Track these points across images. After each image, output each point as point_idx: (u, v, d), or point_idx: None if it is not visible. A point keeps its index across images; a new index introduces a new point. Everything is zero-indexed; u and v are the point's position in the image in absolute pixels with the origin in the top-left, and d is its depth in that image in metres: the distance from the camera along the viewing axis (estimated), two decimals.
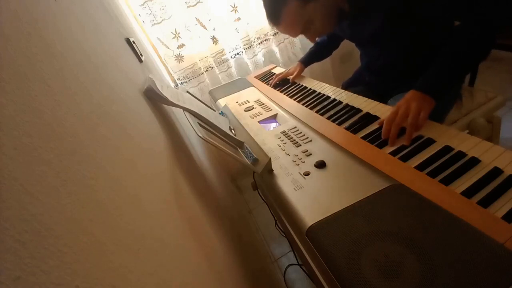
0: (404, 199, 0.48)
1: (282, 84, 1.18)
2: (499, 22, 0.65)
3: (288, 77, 1.20)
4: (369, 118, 0.74)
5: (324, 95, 0.95)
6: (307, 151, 0.69)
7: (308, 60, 1.23)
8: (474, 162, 0.51)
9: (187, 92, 0.98)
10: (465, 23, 0.69)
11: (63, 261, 0.18)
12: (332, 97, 0.91)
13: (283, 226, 0.63)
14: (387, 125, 0.66)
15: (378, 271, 0.39)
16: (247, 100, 1.12)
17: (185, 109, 0.70)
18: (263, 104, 1.04)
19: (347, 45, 1.22)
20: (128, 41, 0.82)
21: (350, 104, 0.83)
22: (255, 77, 1.38)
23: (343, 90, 0.92)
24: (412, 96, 0.67)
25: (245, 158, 0.68)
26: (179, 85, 1.58)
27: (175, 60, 1.52)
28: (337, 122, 0.77)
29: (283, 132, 0.81)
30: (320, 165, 0.62)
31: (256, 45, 1.64)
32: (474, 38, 0.67)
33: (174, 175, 0.54)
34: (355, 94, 0.87)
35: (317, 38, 1.21)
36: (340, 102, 0.87)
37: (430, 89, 0.67)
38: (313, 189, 0.57)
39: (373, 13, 0.80)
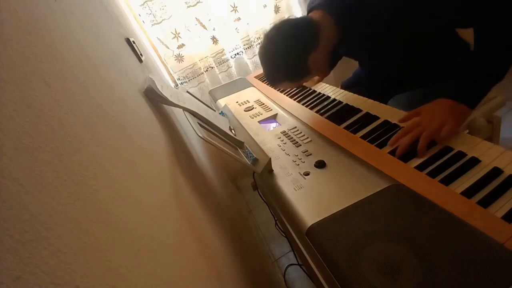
0: (404, 199, 0.48)
1: None
2: None
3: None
4: (369, 118, 0.74)
5: (324, 95, 0.95)
6: (307, 151, 0.69)
7: (332, 63, 1.17)
8: (474, 162, 0.51)
9: (187, 92, 0.98)
10: (488, 23, 0.62)
11: (63, 261, 0.18)
12: (332, 97, 0.91)
13: (283, 226, 0.63)
14: (401, 134, 0.60)
15: (378, 271, 0.39)
16: (247, 100, 1.12)
17: (185, 109, 0.70)
18: (263, 104, 1.04)
19: None
20: (128, 41, 0.82)
21: (350, 104, 0.83)
22: (255, 77, 1.38)
23: (343, 90, 0.92)
24: (441, 105, 0.60)
25: (245, 158, 0.68)
26: (179, 85, 1.58)
27: (175, 60, 1.52)
28: (337, 122, 0.77)
29: (283, 132, 0.81)
30: (320, 165, 0.62)
31: (256, 45, 1.64)
32: (503, 36, 0.60)
33: (174, 175, 0.54)
34: (355, 94, 0.87)
35: None
36: (340, 102, 0.87)
37: (466, 96, 0.59)
38: (313, 189, 0.57)
39: (372, 45, 0.80)
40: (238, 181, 1.96)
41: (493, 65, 0.61)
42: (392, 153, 0.60)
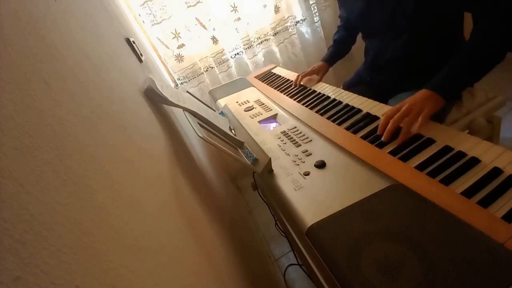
0: (404, 199, 0.48)
1: (283, 84, 1.18)
2: None
3: (311, 76, 1.13)
4: (369, 118, 0.74)
5: (324, 95, 0.95)
6: (307, 151, 0.69)
7: (332, 59, 1.19)
8: (474, 162, 0.51)
9: (187, 92, 0.98)
10: (483, 27, 0.68)
11: (63, 261, 0.18)
12: (332, 97, 0.91)
13: (283, 226, 0.63)
14: (385, 120, 0.66)
15: (378, 271, 0.39)
16: (247, 100, 1.12)
17: (185, 109, 0.70)
18: (263, 104, 1.04)
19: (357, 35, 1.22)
20: (128, 41, 0.82)
21: (350, 104, 0.83)
22: (255, 77, 1.38)
23: (343, 90, 0.92)
24: (420, 95, 0.67)
25: (245, 158, 0.68)
26: (179, 85, 1.58)
27: (175, 60, 1.52)
28: (337, 122, 0.77)
29: (283, 132, 0.81)
30: (320, 165, 0.62)
31: (256, 45, 1.64)
32: (491, 43, 0.66)
33: (174, 175, 0.54)
34: (355, 94, 0.87)
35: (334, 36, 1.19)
36: (340, 102, 0.87)
37: (441, 88, 0.67)
38: (313, 189, 0.57)
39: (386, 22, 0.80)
40: (238, 181, 1.96)
41: (476, 68, 0.67)
42: (393, 153, 0.60)
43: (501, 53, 0.66)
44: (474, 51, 0.67)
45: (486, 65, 0.67)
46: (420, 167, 0.54)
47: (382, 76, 1.02)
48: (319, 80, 1.09)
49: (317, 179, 0.59)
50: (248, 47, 1.63)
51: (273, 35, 1.66)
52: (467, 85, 0.70)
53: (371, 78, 1.07)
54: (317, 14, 1.70)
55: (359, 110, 0.79)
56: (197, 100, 0.93)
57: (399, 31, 0.87)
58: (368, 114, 0.76)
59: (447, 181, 0.50)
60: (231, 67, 1.63)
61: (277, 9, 1.62)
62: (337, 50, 1.20)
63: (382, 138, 0.64)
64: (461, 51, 0.69)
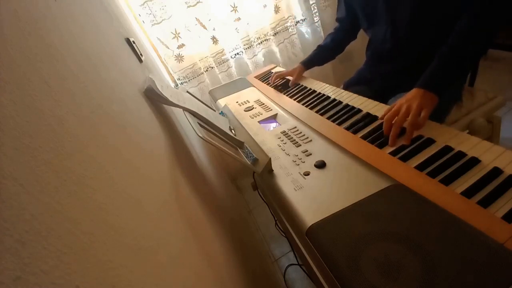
0: (404, 199, 0.48)
1: (282, 84, 1.18)
2: (498, 17, 0.66)
3: (287, 77, 1.19)
4: (369, 118, 0.74)
5: (324, 95, 0.95)
6: (307, 151, 0.69)
7: (310, 63, 1.19)
8: (474, 162, 0.51)
9: (187, 92, 0.98)
10: (464, 18, 0.70)
11: (63, 261, 0.18)
12: (332, 97, 0.91)
13: (283, 226, 0.63)
14: (388, 123, 0.66)
15: (378, 271, 0.39)
16: (247, 100, 1.12)
17: (185, 109, 0.70)
18: (263, 104, 1.04)
19: (347, 45, 1.22)
20: (128, 41, 0.82)
21: (350, 104, 0.83)
22: (255, 77, 1.38)
23: (343, 90, 0.92)
24: (414, 95, 0.68)
25: (245, 158, 0.68)
26: (179, 85, 1.58)
27: (175, 60, 1.52)
28: (337, 122, 0.77)
29: (283, 132, 0.81)
30: (320, 165, 0.62)
31: (256, 45, 1.64)
32: (473, 32, 0.67)
33: (174, 175, 0.54)
34: (355, 94, 0.87)
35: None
36: (340, 102, 0.87)
37: (432, 85, 0.68)
38: (313, 189, 0.57)
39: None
40: (238, 181, 1.96)
41: (461, 60, 0.69)
42: (393, 153, 0.60)
43: (484, 42, 0.68)
44: (455, 43, 0.69)
45: (469, 56, 0.69)
46: (420, 167, 0.54)
47: (383, 71, 1.01)
48: (293, 83, 1.13)
49: (317, 179, 0.59)
50: (248, 47, 1.63)
51: (273, 35, 1.66)
52: (455, 79, 0.72)
53: (372, 74, 1.06)
54: (317, 14, 1.70)
55: (359, 110, 0.79)
56: (197, 100, 0.93)
57: (401, 23, 0.87)
58: (368, 114, 0.76)
59: (447, 181, 0.50)
60: (231, 67, 1.63)
61: (277, 9, 1.62)
62: (319, 53, 1.19)
63: (389, 145, 0.63)
64: (446, 46, 0.70)
